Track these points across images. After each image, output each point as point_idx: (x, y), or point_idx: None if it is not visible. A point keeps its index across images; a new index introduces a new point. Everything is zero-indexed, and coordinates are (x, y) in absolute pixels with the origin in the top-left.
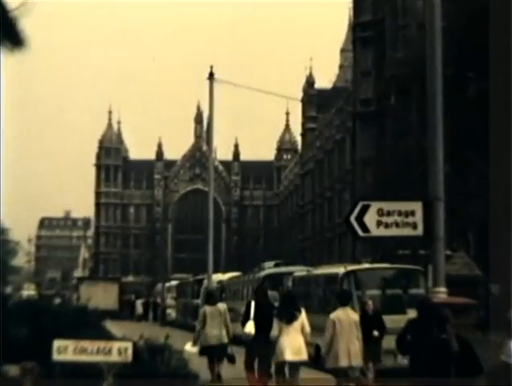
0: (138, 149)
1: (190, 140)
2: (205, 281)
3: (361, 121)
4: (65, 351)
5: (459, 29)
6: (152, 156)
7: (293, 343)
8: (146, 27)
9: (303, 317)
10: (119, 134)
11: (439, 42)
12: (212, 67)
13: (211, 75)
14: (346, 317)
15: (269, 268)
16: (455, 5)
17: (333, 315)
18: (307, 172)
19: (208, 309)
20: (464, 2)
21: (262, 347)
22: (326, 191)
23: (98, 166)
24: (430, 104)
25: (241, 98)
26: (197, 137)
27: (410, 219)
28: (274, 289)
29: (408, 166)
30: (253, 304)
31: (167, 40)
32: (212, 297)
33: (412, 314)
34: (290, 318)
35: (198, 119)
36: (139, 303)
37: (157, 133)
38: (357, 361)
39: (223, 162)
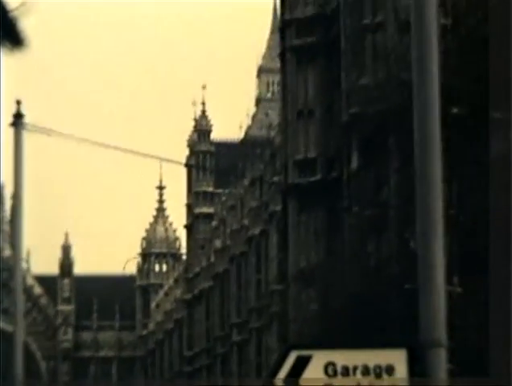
0: None
1: None
2: None
3: (296, 199)
4: None
5: None
6: None
7: None
8: None
9: None
10: None
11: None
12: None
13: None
14: None
15: None
16: None
17: None
18: (199, 296)
19: None
20: None
21: None
22: (233, 331)
23: None
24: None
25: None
26: None
27: (385, 383)
28: None
29: (379, 278)
30: None
31: None
32: None
33: None
34: None
35: None
36: None
37: None
38: None
39: (42, 279)
